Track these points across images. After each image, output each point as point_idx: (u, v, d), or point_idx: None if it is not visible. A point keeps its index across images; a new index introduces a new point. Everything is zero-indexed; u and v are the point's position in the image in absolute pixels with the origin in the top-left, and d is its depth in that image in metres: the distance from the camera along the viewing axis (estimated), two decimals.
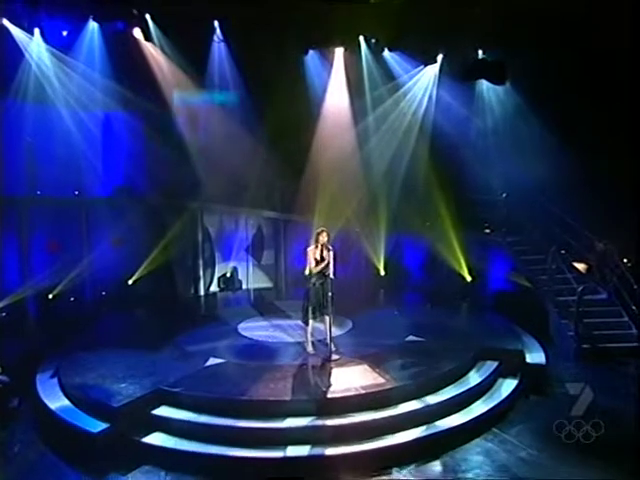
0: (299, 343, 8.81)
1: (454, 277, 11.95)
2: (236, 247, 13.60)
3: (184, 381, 7.35)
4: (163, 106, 12.35)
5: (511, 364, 8.18)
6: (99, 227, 12.12)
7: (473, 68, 11.62)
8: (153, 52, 12.24)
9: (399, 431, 6.61)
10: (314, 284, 8.23)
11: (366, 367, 7.71)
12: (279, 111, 12.08)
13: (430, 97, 12.61)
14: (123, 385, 7.29)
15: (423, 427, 6.71)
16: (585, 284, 9.51)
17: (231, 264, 13.58)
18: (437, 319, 10.12)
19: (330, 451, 6.32)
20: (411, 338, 8.92)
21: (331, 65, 13.04)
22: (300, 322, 8.90)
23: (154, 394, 7.07)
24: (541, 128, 10.85)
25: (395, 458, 6.31)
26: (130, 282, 12.44)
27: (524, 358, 8.40)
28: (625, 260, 10.42)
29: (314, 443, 6.40)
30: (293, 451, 6.31)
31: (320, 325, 8.29)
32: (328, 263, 8.12)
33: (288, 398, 6.83)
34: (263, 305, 11.68)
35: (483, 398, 7.47)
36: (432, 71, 12.85)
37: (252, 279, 13.75)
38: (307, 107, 12.47)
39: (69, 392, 7.47)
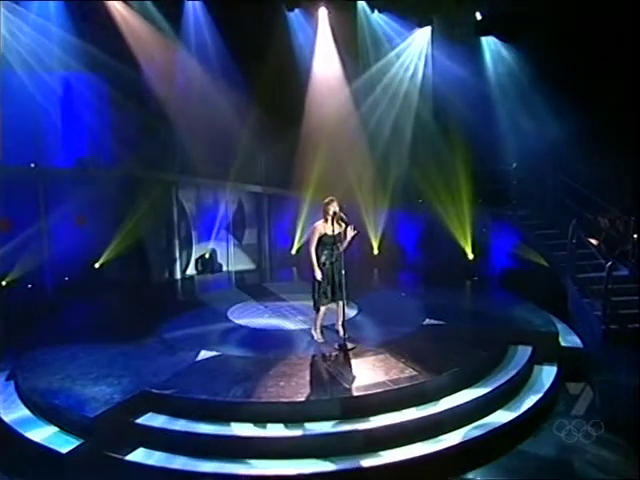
0: (304, 330, 7.41)
1: (458, 255, 10.74)
2: (215, 225, 12.00)
3: (174, 381, 5.85)
4: (132, 67, 10.59)
5: (546, 348, 7.03)
6: (59, 203, 10.25)
7: (480, 25, 10.33)
8: (118, 6, 10.47)
9: (445, 432, 5.35)
10: (324, 264, 6.81)
11: (388, 357, 6.37)
12: (263, 73, 10.55)
13: (427, 60, 11.29)
14: (97, 388, 5.73)
15: (471, 426, 5.48)
16: (612, 259, 8.40)
17: (210, 244, 11.99)
18: (448, 300, 8.86)
19: (365, 462, 4.99)
20: (429, 322, 7.65)
21: (317, 26, 11.57)
22: (295, 304, 7.80)
23: (138, 398, 5.55)
24: (551, 91, 9.66)
25: (447, 466, 5.06)
26: (97, 265, 10.71)
27: (559, 341, 7.28)
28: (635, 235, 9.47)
29: (343, 453, 5.06)
30: (318, 465, 4.95)
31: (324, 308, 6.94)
32: (340, 237, 6.75)
33: (305, 398, 5.45)
34: (250, 288, 10.18)
35: (527, 388, 6.31)
36: (427, 32, 11.54)
37: (233, 260, 12.20)
38: (294, 70, 10.96)
39: (29, 399, 5.89)
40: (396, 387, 5.59)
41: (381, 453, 5.08)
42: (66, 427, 5.28)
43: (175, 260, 11.59)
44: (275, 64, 10.67)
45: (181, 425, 5.30)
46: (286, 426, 5.21)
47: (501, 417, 5.67)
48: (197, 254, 11.90)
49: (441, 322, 7.59)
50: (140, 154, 10.74)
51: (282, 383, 5.73)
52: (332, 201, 6.74)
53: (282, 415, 5.31)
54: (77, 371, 6.18)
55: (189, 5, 11.17)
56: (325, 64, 11.26)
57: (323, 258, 6.80)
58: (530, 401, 6.00)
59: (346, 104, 11.00)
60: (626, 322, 8.11)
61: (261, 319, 8.09)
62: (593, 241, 9.66)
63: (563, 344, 7.33)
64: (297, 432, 5.16)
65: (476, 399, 5.74)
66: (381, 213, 11.19)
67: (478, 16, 11.03)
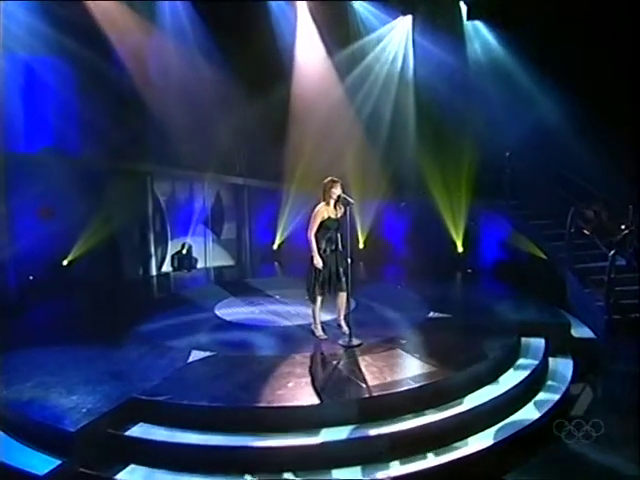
0: (301, 327, 6.68)
1: (447, 247, 10.20)
2: (192, 220, 11.07)
3: (166, 386, 5.03)
4: (102, 50, 9.63)
5: (558, 340, 6.53)
6: (22, 194, 9.16)
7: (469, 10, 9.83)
8: None
9: (475, 433, 4.74)
10: (324, 251, 6.11)
11: (401, 352, 5.74)
12: (244, 59, 9.76)
13: (411, 47, 10.69)
14: (76, 397, 4.86)
15: (501, 424, 4.89)
16: (615, 248, 8.00)
17: (186, 240, 11.05)
18: (446, 292, 8.33)
19: (393, 470, 4.32)
20: (433, 315, 7.05)
21: (297, 13, 10.85)
22: (285, 300, 7.32)
23: (126, 407, 4.72)
24: (542, 77, 9.22)
25: (483, 469, 4.45)
26: (65, 263, 9.67)
27: (570, 332, 6.80)
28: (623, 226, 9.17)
29: (366, 461, 4.38)
30: (342, 476, 4.25)
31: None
32: (339, 221, 6.08)
33: (321, 401, 4.74)
34: (232, 284, 9.34)
35: (548, 382, 5.77)
36: (409, 20, 10.97)
37: (211, 256, 11.30)
38: (276, 56, 10.17)
39: None
40: (418, 385, 4.96)
41: (409, 459, 4.44)
42: (42, 445, 4.39)
43: (150, 256, 10.61)
44: (257, 50, 9.90)
45: (179, 437, 4.50)
46: (302, 433, 4.50)
47: (530, 413, 5.12)
48: (173, 250, 10.95)
49: (446, 315, 7.02)
50: (111, 143, 9.75)
51: (291, 384, 5.00)
52: (335, 182, 6.05)
53: (297, 421, 4.59)
54: (50, 378, 5.28)
55: None
56: (309, 52, 10.51)
57: (324, 244, 6.09)
58: (555, 395, 5.48)
59: (332, 94, 10.28)
60: (627, 312, 7.78)
61: (252, 315, 7.30)
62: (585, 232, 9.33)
63: (575, 335, 6.87)
64: (315, 439, 4.46)
65: (503, 395, 5.18)
66: (369, 206, 10.55)
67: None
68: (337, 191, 6.01)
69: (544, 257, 9.06)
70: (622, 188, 8.70)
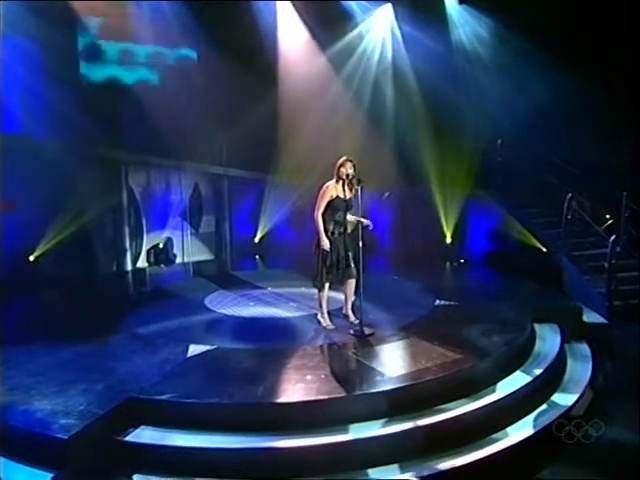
0: (304, 317, 6.11)
1: (435, 238, 9.83)
2: (169, 212, 10.29)
3: (166, 383, 4.38)
4: (72, 29, 8.82)
5: (571, 326, 6.21)
6: None
7: None
8: None
9: (511, 423, 4.31)
10: (332, 233, 5.59)
11: (419, 341, 5.25)
12: (223, 38, 9.13)
13: (393, 34, 10.27)
14: (64, 400, 4.15)
15: (535, 413, 4.48)
16: (615, 234, 7.78)
17: (164, 233, 10.27)
18: (444, 281, 7.98)
19: (435, 466, 3.83)
20: (440, 303, 6.61)
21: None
22: (278, 291, 6.86)
23: (123, 409, 4.05)
24: (531, 62, 8.95)
25: (525, 462, 4.02)
26: (31, 258, 8.77)
27: (582, 318, 6.50)
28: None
29: (404, 458, 3.87)
30: (380, 475, 3.74)
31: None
32: (348, 201, 5.58)
33: (346, 393, 4.20)
34: (218, 277, 8.66)
35: (570, 368, 5.42)
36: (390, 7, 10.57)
37: (189, 250, 10.55)
38: (257, 36, 9.52)
39: None
40: (449, 373, 4.50)
41: (448, 454, 3.96)
42: (28, 456, 3.66)
43: (124, 251, 9.79)
44: (238, 31, 9.29)
45: (188, 440, 3.88)
46: (329, 430, 3.94)
47: (564, 399, 4.75)
48: (149, 244, 10.16)
49: (453, 303, 6.60)
50: (82, 129, 8.92)
51: (309, 377, 4.44)
52: (347, 161, 5.53)
53: (323, 416, 4.02)
54: (31, 378, 4.54)
55: None
56: (291, 36, 9.93)
57: (331, 226, 5.57)
58: (582, 382, 5.13)
59: (319, 81, 9.71)
60: (627, 298, 7.58)
61: (247, 308, 6.68)
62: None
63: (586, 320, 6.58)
64: (345, 436, 3.91)
65: (532, 382, 4.78)
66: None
67: None
68: (348, 170, 5.50)
69: (538, 246, 8.81)
70: (614, 176, 8.57)
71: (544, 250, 8.84)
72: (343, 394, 4.14)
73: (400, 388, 4.26)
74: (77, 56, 9.23)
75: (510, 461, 4.05)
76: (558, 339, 5.72)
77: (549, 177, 8.87)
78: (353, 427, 3.97)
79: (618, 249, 8.11)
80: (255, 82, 9.36)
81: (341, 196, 5.54)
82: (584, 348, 5.86)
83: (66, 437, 3.63)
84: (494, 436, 4.17)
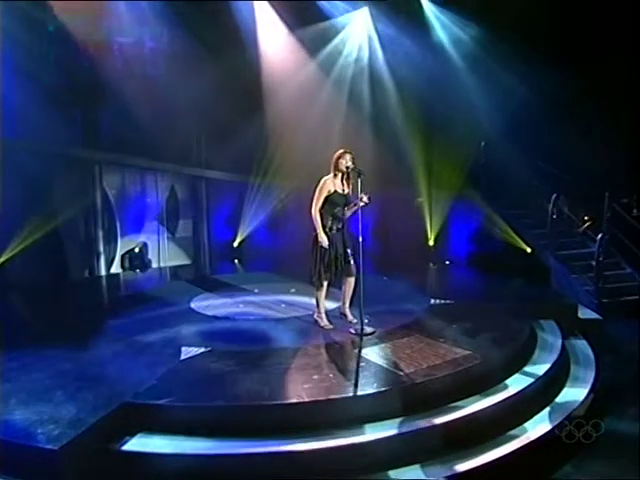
0: (299, 318, 5.80)
1: (417, 240, 9.69)
2: (144, 215, 9.82)
3: (163, 387, 4.01)
4: (42, 19, 8.34)
5: (567, 322, 6.11)
6: None
7: None
8: None
9: (528, 419, 4.10)
10: (331, 229, 5.34)
11: (423, 338, 5.01)
12: (202, 32, 8.77)
13: (376, 35, 10.13)
14: (49, 407, 3.72)
15: (549, 409, 4.30)
16: (606, 232, 7.79)
17: (139, 237, 9.78)
18: (434, 281, 7.82)
19: (458, 466, 3.59)
20: (435, 302, 6.42)
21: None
22: (265, 292, 6.64)
23: (119, 415, 3.67)
24: (510, 63, 8.92)
25: (543, 459, 3.83)
26: None
27: (578, 314, 6.43)
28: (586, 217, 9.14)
29: (425, 458, 3.62)
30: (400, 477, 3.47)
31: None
32: (347, 196, 5.33)
33: (358, 392, 3.93)
34: (199, 280, 8.28)
35: (574, 364, 5.29)
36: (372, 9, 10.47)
37: (165, 255, 10.09)
38: (237, 32, 9.20)
39: None
40: (460, 369, 4.28)
41: (469, 453, 3.73)
42: (13, 472, 3.24)
43: (98, 255, 9.27)
44: (216, 26, 8.95)
45: (191, 447, 3.52)
46: (343, 431, 3.66)
47: (574, 394, 4.61)
48: (124, 248, 9.66)
49: (449, 301, 6.43)
50: (52, 128, 8.40)
51: (316, 377, 4.15)
52: (345, 153, 5.30)
53: (337, 416, 3.74)
54: (10, 385, 4.08)
55: None
56: (271, 33, 9.64)
57: (329, 222, 5.31)
58: (588, 377, 5.00)
59: (300, 81, 9.40)
60: (614, 295, 7.60)
61: (237, 309, 6.32)
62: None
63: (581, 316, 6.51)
64: (360, 437, 3.63)
65: (542, 377, 4.61)
66: None
67: None
68: (346, 162, 5.26)
69: (522, 246, 8.79)
70: (596, 177, 8.63)
71: (528, 250, 8.88)
72: (358, 393, 3.88)
73: (416, 384, 4.02)
74: (48, 53, 8.79)
75: (530, 458, 3.88)
76: (558, 335, 5.61)
77: (533, 178, 8.92)
78: (369, 427, 3.69)
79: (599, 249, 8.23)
80: (235, 82, 9.07)
81: (339, 190, 5.30)
82: (583, 344, 5.78)
83: (56, 448, 3.24)
84: (511, 433, 4.00)
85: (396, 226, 10.15)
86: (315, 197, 5.30)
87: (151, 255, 9.95)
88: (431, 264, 9.41)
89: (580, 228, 9.07)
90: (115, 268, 9.55)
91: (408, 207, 9.82)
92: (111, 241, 9.50)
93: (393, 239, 10.14)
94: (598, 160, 8.50)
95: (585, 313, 6.62)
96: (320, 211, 5.30)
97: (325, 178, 5.33)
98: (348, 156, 5.29)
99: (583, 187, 8.56)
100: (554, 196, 8.20)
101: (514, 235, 8.74)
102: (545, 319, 5.99)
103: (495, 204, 9.10)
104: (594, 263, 7.52)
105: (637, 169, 7.97)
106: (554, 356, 5.00)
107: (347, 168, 5.26)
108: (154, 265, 9.99)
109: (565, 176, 8.59)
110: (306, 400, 3.78)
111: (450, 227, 9.79)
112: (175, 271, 9.88)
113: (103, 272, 9.29)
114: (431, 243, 9.85)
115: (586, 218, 9.30)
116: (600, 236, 7.52)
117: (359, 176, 5.18)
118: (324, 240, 5.25)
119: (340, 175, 5.32)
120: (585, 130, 8.51)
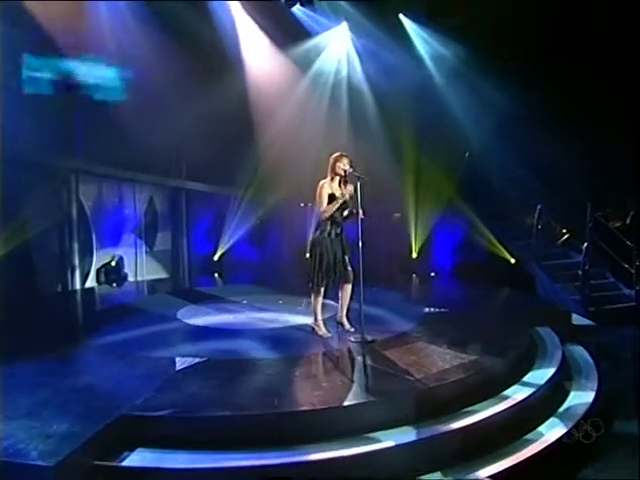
0: (295, 328, 5.58)
1: (399, 252, 9.61)
2: (121, 228, 9.44)
3: (162, 398, 3.71)
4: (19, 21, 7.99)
5: (561, 328, 6.08)
6: None
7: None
8: None
9: (541, 423, 3.99)
10: (329, 234, 5.18)
11: (425, 345, 4.88)
12: (185, 46, 8.60)
13: (355, 50, 10.16)
14: (37, 423, 3.37)
15: (560, 412, 4.20)
16: (589, 242, 7.86)
17: (115, 251, 9.35)
18: (424, 292, 7.71)
19: (480, 472, 3.41)
20: (430, 310, 6.31)
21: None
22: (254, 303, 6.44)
23: (116, 429, 3.37)
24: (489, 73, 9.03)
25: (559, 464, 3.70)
26: None
27: (571, 320, 6.42)
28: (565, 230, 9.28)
29: (445, 464, 3.44)
30: None
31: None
32: (346, 201, 5.17)
33: (371, 398, 3.73)
34: (182, 293, 7.96)
35: (575, 369, 5.22)
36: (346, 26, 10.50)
37: (143, 269, 9.70)
38: (219, 45, 9.06)
39: None
40: (470, 373, 4.14)
41: (487, 458, 3.57)
42: None
43: (73, 269, 8.81)
44: (199, 39, 8.81)
45: (195, 461, 3.23)
46: (358, 439, 3.45)
47: (581, 398, 4.52)
48: (99, 262, 9.23)
49: (444, 309, 6.33)
50: (26, 138, 7.99)
51: (325, 384, 3.94)
52: (342, 157, 5.18)
53: (351, 423, 3.52)
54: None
55: None
56: (255, 48, 9.55)
57: (328, 227, 5.16)
58: (592, 380, 4.94)
59: (283, 93, 9.35)
60: (599, 304, 7.66)
61: (228, 320, 6.07)
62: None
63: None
64: (375, 445, 3.42)
65: (549, 381, 4.52)
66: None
67: None
68: (344, 166, 5.13)
69: (506, 256, 8.83)
70: (578, 188, 8.75)
71: (512, 261, 8.92)
72: (371, 399, 3.69)
73: (431, 389, 3.86)
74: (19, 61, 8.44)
75: (547, 462, 3.76)
76: (557, 340, 5.57)
77: (516, 190, 9.00)
78: (384, 434, 3.50)
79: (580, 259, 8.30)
80: (217, 93, 8.91)
81: (337, 194, 5.14)
82: (579, 349, 5.74)
83: (51, 464, 2.92)
84: (527, 437, 3.87)
85: (378, 239, 10.09)
86: (319, 200, 5.13)
87: (128, 269, 9.55)
88: (414, 276, 9.38)
89: (559, 241, 9.22)
90: (90, 282, 9.11)
91: (390, 220, 9.78)
92: (86, 254, 9.08)
93: (374, 252, 10.05)
94: (580, 171, 8.70)
95: (576, 320, 6.64)
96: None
97: (322, 181, 5.18)
98: (345, 159, 5.16)
99: (565, 198, 8.73)
100: (539, 207, 8.28)
101: (498, 245, 8.79)
102: (541, 326, 5.98)
103: (479, 215, 9.15)
104: (580, 272, 7.60)
105: (619, 180, 8.13)
106: (557, 360, 4.94)
107: (345, 172, 5.15)
108: (130, 279, 9.60)
109: (547, 187, 8.74)
110: (318, 407, 3.57)
111: (434, 239, 9.79)
112: (153, 285, 9.53)
113: (78, 286, 8.84)
114: (414, 255, 9.84)
115: (564, 231, 9.47)
116: (585, 245, 7.60)
117: (358, 180, 5.07)
118: (332, 207, 5.01)
119: (338, 179, 5.20)
120: (567, 142, 8.69)
